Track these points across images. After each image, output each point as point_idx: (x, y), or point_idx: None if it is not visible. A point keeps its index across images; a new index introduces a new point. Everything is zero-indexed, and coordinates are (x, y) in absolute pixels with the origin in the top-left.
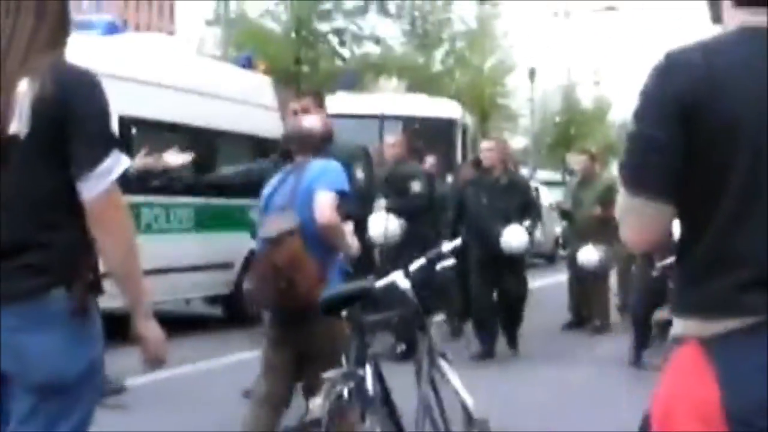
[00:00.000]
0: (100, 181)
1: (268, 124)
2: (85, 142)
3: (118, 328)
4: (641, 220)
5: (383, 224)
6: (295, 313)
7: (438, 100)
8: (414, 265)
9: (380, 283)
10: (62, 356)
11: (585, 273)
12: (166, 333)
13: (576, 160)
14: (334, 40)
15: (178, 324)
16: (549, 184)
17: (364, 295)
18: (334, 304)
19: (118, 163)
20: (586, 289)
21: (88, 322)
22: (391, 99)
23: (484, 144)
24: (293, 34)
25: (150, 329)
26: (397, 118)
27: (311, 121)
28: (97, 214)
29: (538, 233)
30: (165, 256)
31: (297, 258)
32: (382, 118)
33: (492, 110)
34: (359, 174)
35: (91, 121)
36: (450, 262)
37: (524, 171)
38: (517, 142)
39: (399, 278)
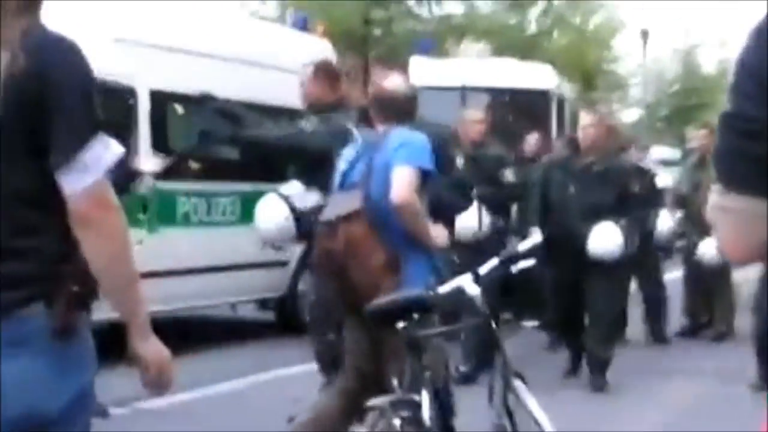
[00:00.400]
0: (84, 174)
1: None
2: (65, 125)
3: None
4: (737, 222)
5: (475, 217)
6: (358, 309)
7: (529, 67)
8: (484, 268)
9: (443, 290)
10: (42, 387)
11: (705, 269)
12: (211, 342)
13: (694, 136)
14: None
15: (224, 332)
16: (666, 163)
17: (420, 304)
18: (384, 315)
19: (106, 151)
20: (705, 289)
21: (74, 344)
22: (474, 66)
23: (584, 118)
24: None
25: (149, 349)
26: (480, 89)
27: (395, 82)
28: (82, 215)
29: (659, 223)
30: (206, 253)
31: (355, 242)
32: (463, 90)
33: (597, 78)
34: (459, 160)
35: (72, 98)
36: (528, 263)
37: (636, 153)
38: (628, 114)
39: (466, 283)
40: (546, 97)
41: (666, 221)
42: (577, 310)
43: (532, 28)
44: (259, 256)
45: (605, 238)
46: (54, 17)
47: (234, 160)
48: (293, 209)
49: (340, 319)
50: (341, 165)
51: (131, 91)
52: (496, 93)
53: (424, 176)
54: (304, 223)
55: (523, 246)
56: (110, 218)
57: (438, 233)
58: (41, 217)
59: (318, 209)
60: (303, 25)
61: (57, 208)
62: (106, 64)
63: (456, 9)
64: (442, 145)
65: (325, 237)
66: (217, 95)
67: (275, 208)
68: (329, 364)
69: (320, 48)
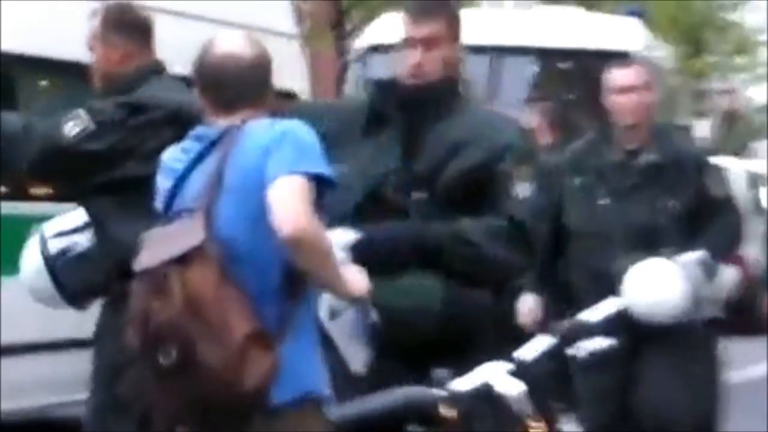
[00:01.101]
0: None
1: (288, 69)
2: None
3: None
4: None
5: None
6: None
7: (602, 19)
8: (529, 349)
9: (461, 386)
10: None
11: None
12: None
13: None
14: None
15: None
16: None
17: (419, 412)
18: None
19: None
20: None
21: None
22: (514, 18)
23: (619, 76)
24: None
25: None
26: (524, 52)
27: (234, 45)
28: None
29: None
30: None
31: (199, 300)
32: (495, 53)
33: (708, 35)
34: (527, 183)
35: None
36: (604, 343)
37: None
38: (759, 92)
39: (499, 376)
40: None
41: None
42: (627, 419)
43: None
44: None
45: (660, 286)
46: None
47: None
48: (47, 258)
49: None
50: (163, 180)
51: None
52: (548, 58)
53: (319, 186)
54: (69, 278)
55: (597, 315)
56: None
57: (355, 276)
58: None
59: (107, 252)
60: None
61: None
62: None
63: None
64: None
65: (144, 295)
66: None
67: (30, 254)
68: None
69: None
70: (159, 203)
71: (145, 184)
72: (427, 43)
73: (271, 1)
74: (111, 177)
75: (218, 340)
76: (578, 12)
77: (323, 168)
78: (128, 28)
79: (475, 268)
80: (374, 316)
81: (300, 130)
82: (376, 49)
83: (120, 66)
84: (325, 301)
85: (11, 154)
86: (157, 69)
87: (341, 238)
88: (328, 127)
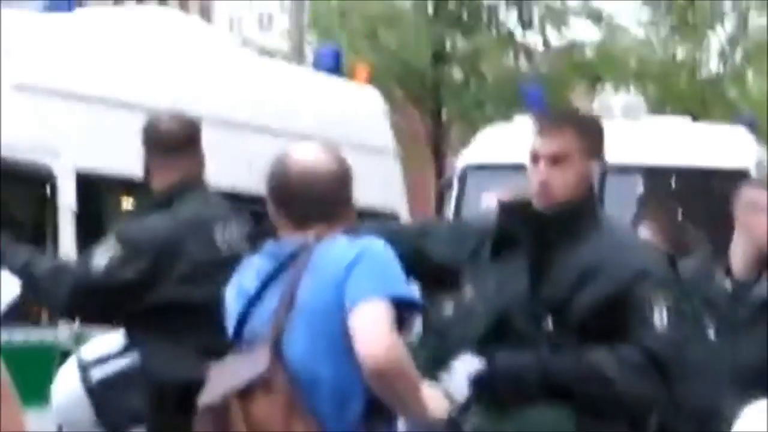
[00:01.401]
0: None
1: (386, 187)
2: None
3: None
4: None
5: None
6: None
7: (714, 131)
8: None
9: None
10: None
11: None
12: None
13: None
14: (508, 19)
15: None
16: None
17: None
18: None
19: None
20: None
21: None
22: (621, 129)
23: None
24: (429, 10)
25: None
26: (630, 171)
27: (315, 158)
28: None
29: None
30: None
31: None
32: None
33: None
34: (665, 311)
35: None
36: None
37: None
38: None
39: None
40: (745, 180)
41: None
42: None
43: (712, 67)
44: None
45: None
46: None
47: None
48: (90, 387)
49: None
50: (233, 303)
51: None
52: (657, 177)
53: (401, 310)
54: (111, 407)
55: None
56: None
57: (434, 398)
58: None
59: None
60: (334, 64)
61: None
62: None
63: (586, 34)
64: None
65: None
66: None
67: (66, 382)
68: None
69: (363, 99)
70: (230, 329)
71: (185, 307)
72: (555, 160)
73: (369, 117)
74: (146, 302)
75: None
76: (687, 124)
77: (406, 290)
78: (153, 144)
79: (609, 402)
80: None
81: (379, 248)
82: (477, 167)
83: (154, 181)
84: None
85: (45, 299)
86: (193, 185)
87: (466, 367)
88: (454, 249)
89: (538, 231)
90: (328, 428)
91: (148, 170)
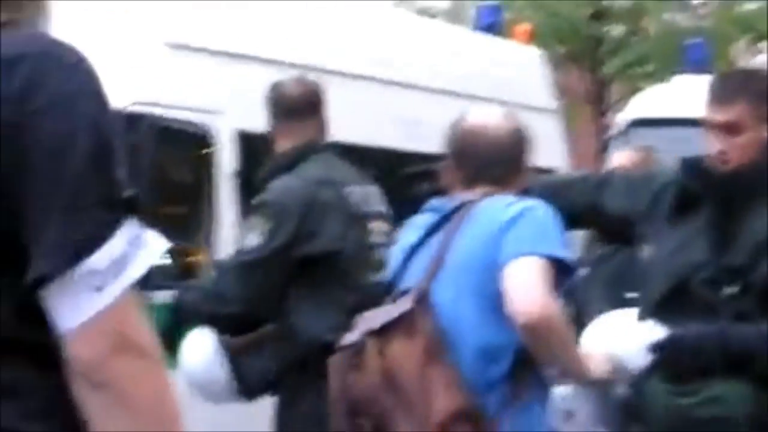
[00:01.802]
0: (90, 297)
1: (547, 146)
2: (54, 211)
3: None
4: None
5: None
6: None
7: None
8: None
9: None
10: None
11: None
12: None
13: None
14: None
15: None
16: None
17: None
18: None
19: (134, 252)
20: None
21: None
22: None
23: None
24: None
25: None
26: None
27: (493, 120)
28: (84, 367)
29: None
30: None
31: (401, 372)
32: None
33: None
34: None
35: (66, 160)
36: None
37: None
38: None
39: None
40: None
41: None
42: None
43: None
44: None
45: None
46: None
47: None
48: (225, 346)
49: None
50: (394, 256)
51: (204, 134)
52: None
53: (559, 271)
54: (249, 368)
55: None
56: (137, 375)
57: (593, 359)
58: (20, 375)
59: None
60: (495, 20)
61: (48, 359)
62: (155, 88)
63: None
64: None
65: (343, 369)
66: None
67: (199, 344)
68: None
69: (523, 59)
70: (388, 281)
71: (331, 265)
72: (728, 129)
73: (530, 76)
74: (294, 261)
75: (418, 416)
76: None
77: (563, 252)
78: (276, 107)
79: None
80: (621, 391)
81: (540, 209)
82: (640, 123)
83: (277, 144)
84: (558, 405)
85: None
86: (316, 148)
87: (648, 334)
88: (631, 201)
89: (723, 194)
90: (468, 382)
91: (272, 134)
